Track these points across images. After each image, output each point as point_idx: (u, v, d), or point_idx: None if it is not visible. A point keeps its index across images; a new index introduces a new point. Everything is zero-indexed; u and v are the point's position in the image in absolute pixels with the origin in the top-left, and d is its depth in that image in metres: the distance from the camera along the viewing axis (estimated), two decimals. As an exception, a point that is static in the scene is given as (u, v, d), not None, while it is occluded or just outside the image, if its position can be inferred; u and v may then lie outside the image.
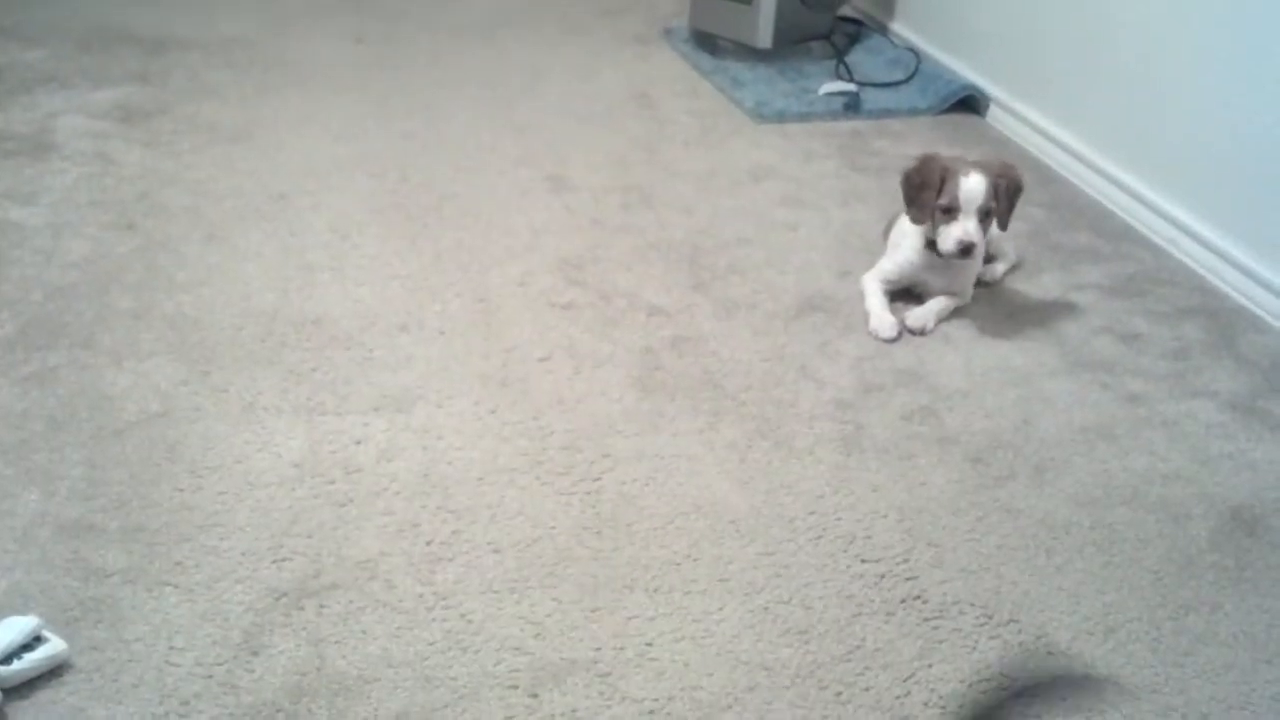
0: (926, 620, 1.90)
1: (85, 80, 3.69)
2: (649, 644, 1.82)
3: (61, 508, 2.01)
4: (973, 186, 2.54)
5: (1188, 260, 3.02)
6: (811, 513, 2.11)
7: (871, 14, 4.53)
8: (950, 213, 2.57)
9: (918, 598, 1.94)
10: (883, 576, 1.98)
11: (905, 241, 2.72)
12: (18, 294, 2.58)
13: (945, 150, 2.77)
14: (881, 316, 2.65)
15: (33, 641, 1.70)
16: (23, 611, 1.76)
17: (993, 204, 2.57)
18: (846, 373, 2.50)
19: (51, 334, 2.46)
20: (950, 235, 2.57)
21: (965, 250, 2.57)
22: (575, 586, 1.92)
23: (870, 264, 2.80)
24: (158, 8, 4.36)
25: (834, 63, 4.08)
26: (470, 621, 1.84)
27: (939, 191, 2.56)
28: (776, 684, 1.77)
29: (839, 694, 1.76)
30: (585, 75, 4.02)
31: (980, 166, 2.57)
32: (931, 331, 2.66)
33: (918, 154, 2.67)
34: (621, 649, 1.81)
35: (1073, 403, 2.45)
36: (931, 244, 2.65)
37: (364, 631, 1.81)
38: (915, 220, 2.65)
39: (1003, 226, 2.65)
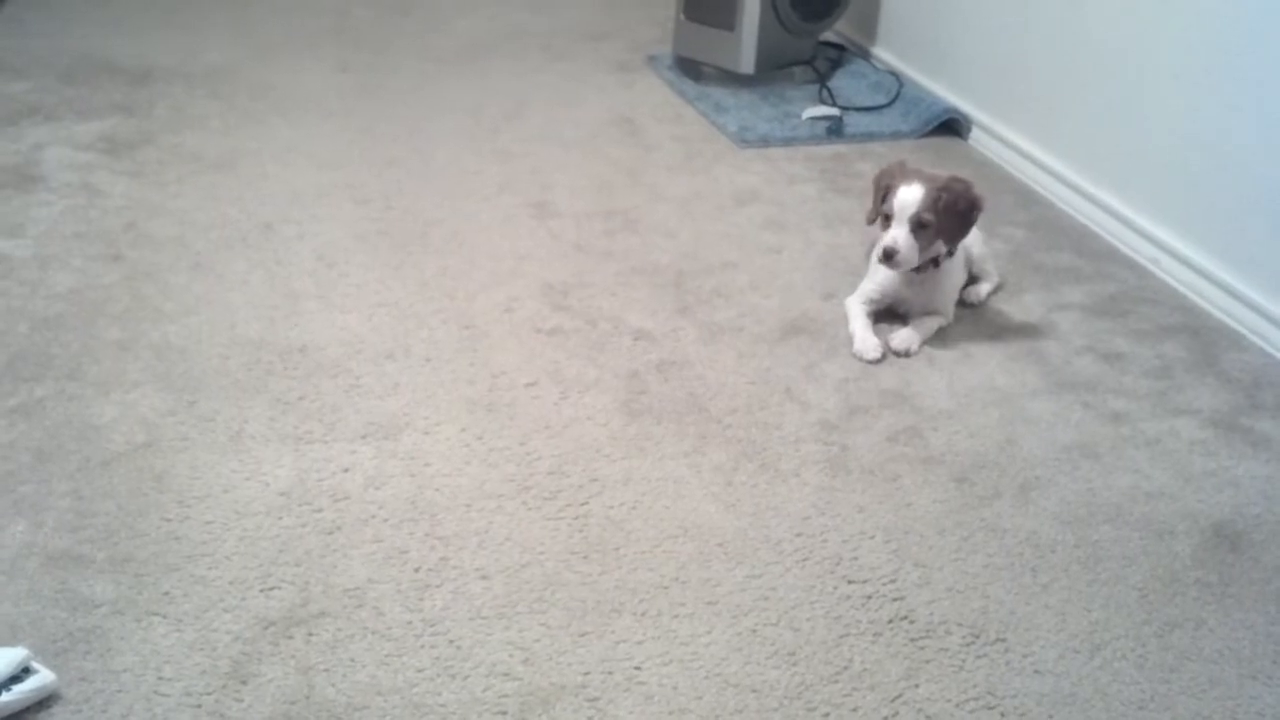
0: (913, 640, 1.91)
1: (70, 112, 3.70)
2: (637, 668, 1.83)
3: (49, 539, 2.01)
4: (905, 196, 2.56)
5: (1169, 279, 3.05)
6: (798, 534, 2.12)
7: (853, 39, 4.56)
8: (889, 219, 2.60)
9: (905, 618, 1.95)
10: (869, 597, 1.99)
11: (885, 261, 2.74)
12: (4, 326, 2.59)
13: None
14: (865, 338, 2.67)
15: (21, 673, 1.70)
16: (11, 643, 1.77)
17: (928, 216, 2.56)
18: (831, 395, 2.51)
19: (38, 365, 2.46)
20: (881, 241, 2.61)
21: (887, 255, 2.58)
22: (563, 611, 1.93)
23: (854, 286, 2.82)
24: (140, 38, 4.38)
25: (817, 87, 4.11)
26: (459, 648, 1.84)
27: (884, 198, 2.60)
28: (765, 706, 1.78)
29: (827, 715, 1.77)
30: (569, 102, 4.05)
31: (926, 179, 2.58)
32: (915, 353, 2.67)
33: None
34: (610, 673, 1.82)
35: (1056, 422, 2.47)
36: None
37: (352, 659, 1.81)
38: (868, 221, 2.72)
39: (947, 244, 2.64)
